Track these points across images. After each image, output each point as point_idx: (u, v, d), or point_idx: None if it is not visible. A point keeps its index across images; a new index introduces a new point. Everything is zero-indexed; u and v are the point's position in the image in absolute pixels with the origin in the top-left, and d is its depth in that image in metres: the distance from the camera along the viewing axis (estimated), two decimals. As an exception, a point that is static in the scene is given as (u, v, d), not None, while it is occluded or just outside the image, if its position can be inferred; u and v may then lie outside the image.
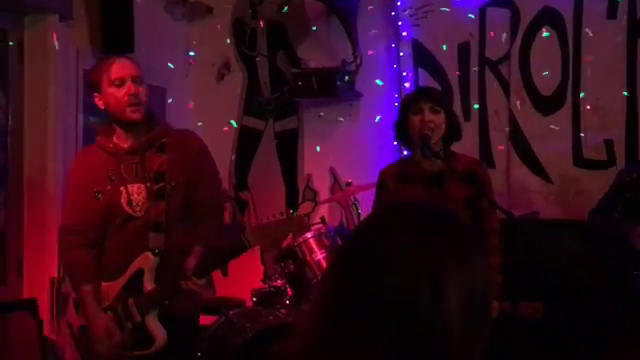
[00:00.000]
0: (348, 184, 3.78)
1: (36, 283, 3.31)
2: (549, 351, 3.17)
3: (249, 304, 3.38)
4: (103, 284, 2.35)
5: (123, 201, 2.33)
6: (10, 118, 3.35)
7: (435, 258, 0.78)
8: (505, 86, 3.78)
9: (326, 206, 4.15)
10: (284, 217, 2.22)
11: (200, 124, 4.17)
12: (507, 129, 3.76)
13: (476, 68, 3.83)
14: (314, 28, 4.28)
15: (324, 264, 3.15)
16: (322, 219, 3.43)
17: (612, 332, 2.62)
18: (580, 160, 3.60)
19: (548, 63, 3.66)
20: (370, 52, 4.10)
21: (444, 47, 3.91)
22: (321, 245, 3.17)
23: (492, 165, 3.73)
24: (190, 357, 2.45)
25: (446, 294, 0.76)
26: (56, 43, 3.36)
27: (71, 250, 2.39)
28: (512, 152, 3.76)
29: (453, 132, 2.58)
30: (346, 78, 4.03)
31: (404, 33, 4.04)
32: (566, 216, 3.53)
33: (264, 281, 3.36)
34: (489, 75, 3.83)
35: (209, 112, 4.34)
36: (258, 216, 4.21)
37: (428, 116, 2.51)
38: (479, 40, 3.85)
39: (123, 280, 2.33)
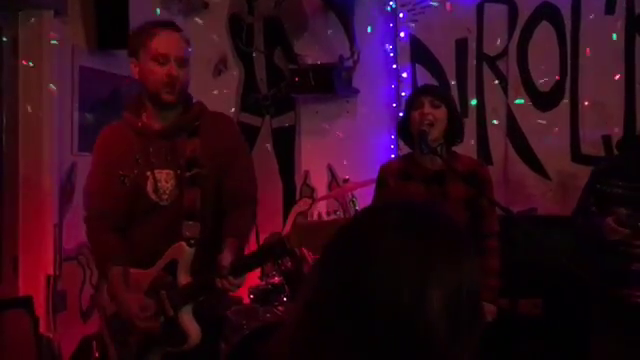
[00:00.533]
0: (345, 181, 3.77)
1: (32, 281, 3.29)
2: (548, 348, 3.17)
3: (246, 301, 3.37)
4: (133, 271, 2.18)
5: (149, 187, 2.16)
6: (4, 115, 3.33)
7: (418, 258, 0.77)
8: (503, 82, 3.77)
9: (324, 203, 4.14)
10: (335, 218, 2.09)
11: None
12: (505, 125, 3.76)
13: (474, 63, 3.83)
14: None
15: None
16: (319, 216, 3.42)
17: (602, 329, 2.62)
18: (578, 156, 3.59)
19: (546, 59, 3.66)
20: (367, 48, 4.09)
21: (441, 43, 3.90)
22: (319, 242, 3.16)
23: (490, 161, 3.73)
24: (217, 356, 2.33)
25: (428, 294, 0.75)
26: (51, 39, 3.34)
27: (98, 234, 2.23)
28: (510, 148, 3.75)
29: (455, 130, 2.57)
30: (343, 74, 4.01)
31: (402, 29, 4.02)
32: (564, 212, 3.51)
33: (262, 278, 3.35)
34: (487, 71, 3.83)
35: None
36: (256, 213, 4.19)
37: (427, 109, 2.51)
38: (477, 36, 3.84)
39: (155, 271, 2.16)
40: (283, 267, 3.21)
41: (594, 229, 2.49)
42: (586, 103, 3.58)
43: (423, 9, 3.96)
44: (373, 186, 2.71)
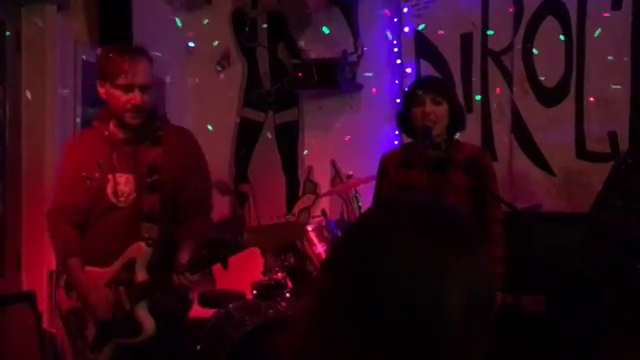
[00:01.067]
0: (349, 177, 3.75)
1: (34, 276, 3.29)
2: (551, 344, 3.15)
3: (249, 297, 3.36)
4: (89, 268, 2.36)
5: (109, 190, 2.35)
6: (7, 110, 3.32)
7: (435, 257, 0.75)
8: (508, 77, 3.75)
9: (327, 199, 4.12)
10: (283, 221, 2.25)
11: (198, 116, 4.15)
12: (510, 121, 3.74)
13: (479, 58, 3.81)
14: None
15: (325, 257, 3.14)
16: (323, 212, 3.41)
17: (612, 325, 2.61)
18: (583, 152, 3.57)
19: (551, 54, 3.63)
20: (371, 43, 4.07)
21: (446, 38, 3.88)
22: (322, 238, 3.15)
23: (494, 157, 3.70)
24: (177, 351, 2.46)
25: (448, 295, 0.74)
26: (54, 34, 3.33)
27: (57, 228, 2.43)
28: (515, 144, 3.73)
29: (457, 122, 2.56)
30: (347, 69, 3.99)
31: (406, 24, 4.00)
32: (569, 209, 3.50)
33: (265, 274, 3.34)
34: (492, 66, 3.80)
35: (208, 104, 4.31)
36: (258, 209, 4.19)
37: (429, 108, 2.48)
38: (482, 31, 3.82)
39: (115, 268, 2.34)
40: (286, 263, 3.20)
41: (620, 226, 2.48)
42: (591, 99, 3.55)
43: (427, 4, 3.93)
44: (376, 182, 2.70)
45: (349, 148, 4.12)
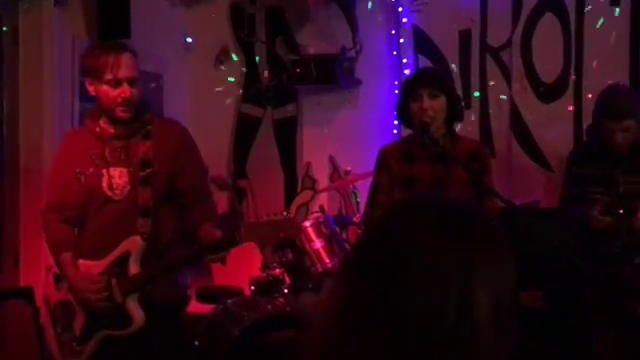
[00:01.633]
0: (347, 172, 3.75)
1: (32, 271, 3.28)
2: (549, 340, 3.16)
3: (247, 293, 3.36)
4: (82, 261, 2.40)
5: (104, 184, 2.38)
6: (5, 105, 3.31)
7: (460, 259, 0.75)
8: (506, 73, 3.75)
9: (325, 195, 4.12)
10: (278, 217, 2.27)
11: (196, 112, 4.14)
12: (508, 117, 3.73)
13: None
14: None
15: (322, 253, 3.14)
16: (321, 208, 3.41)
17: (596, 320, 2.69)
18: (582, 148, 3.57)
19: (550, 50, 3.63)
20: (370, 38, 4.06)
21: (445, 34, 3.87)
22: (319, 234, 3.16)
23: (493, 153, 3.70)
24: (171, 343, 2.47)
25: (475, 297, 0.73)
26: (51, 29, 3.32)
27: (51, 225, 2.47)
28: (513, 140, 3.73)
29: (455, 113, 2.56)
30: (345, 65, 3.99)
31: (404, 19, 3.99)
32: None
33: (263, 270, 3.34)
34: (490, 62, 3.80)
35: (206, 99, 4.30)
36: (256, 204, 4.19)
37: (427, 103, 2.48)
38: (480, 27, 3.81)
39: (108, 260, 2.37)
40: (284, 259, 3.20)
41: (581, 218, 2.66)
42: (590, 96, 3.55)
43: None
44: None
45: (347, 144, 4.12)
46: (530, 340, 3.18)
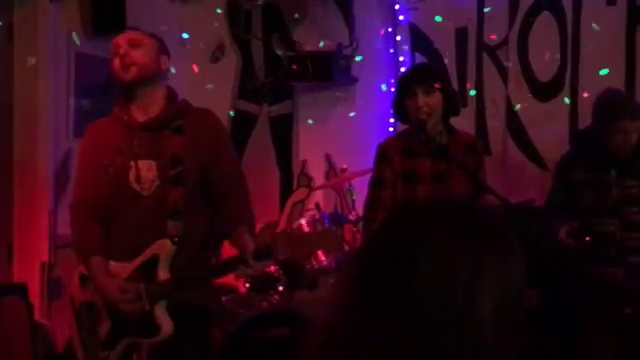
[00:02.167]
0: (343, 170, 3.74)
1: (26, 268, 3.28)
2: (543, 339, 3.16)
3: (242, 290, 3.35)
4: (112, 263, 2.26)
5: (131, 177, 2.24)
6: (-1, 100, 3.30)
7: (469, 257, 0.75)
8: (503, 72, 3.75)
9: (321, 192, 4.11)
10: (320, 230, 2.16)
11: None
12: (504, 115, 3.74)
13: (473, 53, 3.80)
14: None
15: (317, 250, 3.13)
16: (317, 205, 3.40)
17: (593, 319, 2.73)
18: (577, 147, 3.57)
19: (546, 49, 3.63)
20: (367, 36, 4.05)
21: (441, 32, 3.87)
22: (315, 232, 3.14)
23: (489, 152, 3.71)
24: (204, 347, 2.37)
25: (480, 294, 0.74)
26: (46, 25, 3.30)
27: (80, 223, 2.31)
28: (509, 139, 3.73)
29: (452, 108, 2.57)
30: (342, 62, 3.98)
31: (401, 17, 3.99)
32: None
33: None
34: (487, 61, 3.80)
35: (202, 95, 4.28)
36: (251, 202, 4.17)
37: (422, 100, 2.47)
38: (477, 25, 3.81)
39: (136, 263, 2.24)
40: (279, 256, 3.19)
41: (552, 231, 2.67)
42: (585, 94, 3.55)
43: (423, -3, 3.92)
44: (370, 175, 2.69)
45: (344, 141, 4.11)
46: (524, 339, 3.19)
